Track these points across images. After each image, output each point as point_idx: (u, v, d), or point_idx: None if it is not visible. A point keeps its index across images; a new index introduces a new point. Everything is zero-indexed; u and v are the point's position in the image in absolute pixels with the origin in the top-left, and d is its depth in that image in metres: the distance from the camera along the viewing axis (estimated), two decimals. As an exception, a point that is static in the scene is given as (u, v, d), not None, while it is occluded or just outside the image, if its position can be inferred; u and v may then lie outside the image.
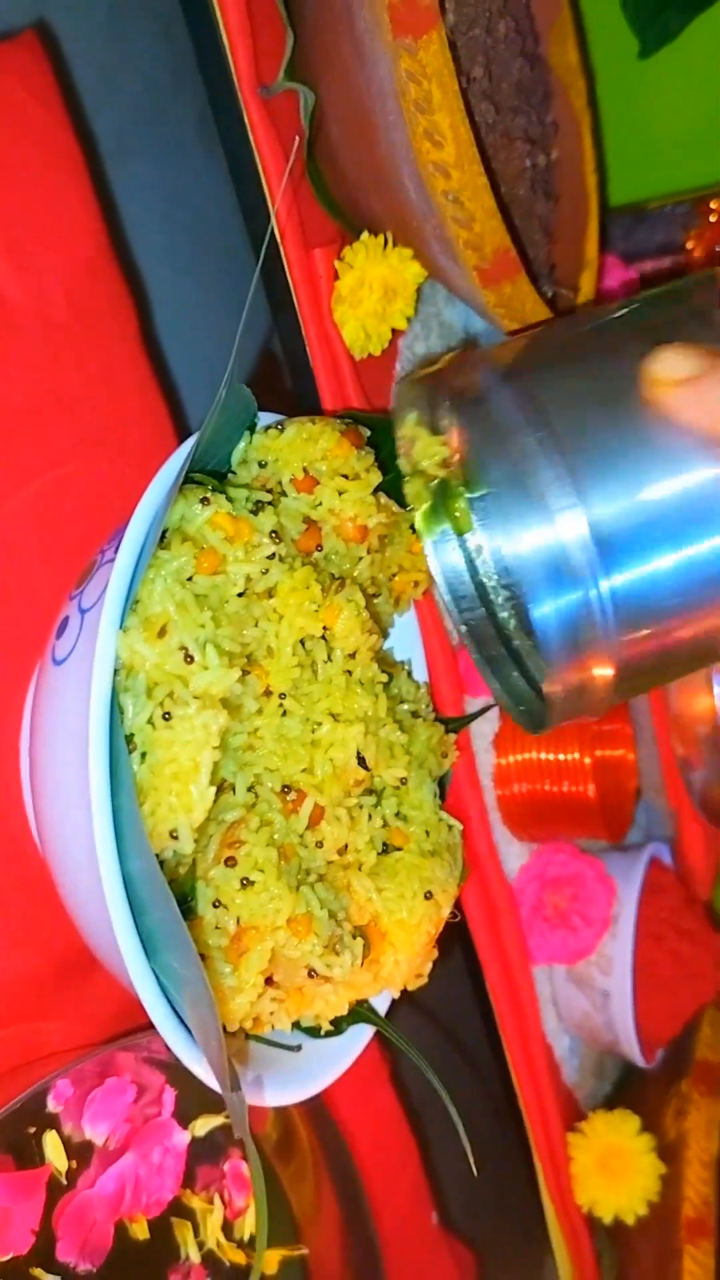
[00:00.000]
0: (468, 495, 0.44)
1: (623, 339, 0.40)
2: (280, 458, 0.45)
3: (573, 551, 0.36)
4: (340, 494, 0.45)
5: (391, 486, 0.51)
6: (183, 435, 0.57)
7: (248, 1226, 0.54)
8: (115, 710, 0.37)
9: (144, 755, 0.37)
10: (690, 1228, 0.71)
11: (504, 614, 0.45)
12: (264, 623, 0.43)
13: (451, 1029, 0.76)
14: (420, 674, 0.57)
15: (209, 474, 0.44)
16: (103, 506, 0.52)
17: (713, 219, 0.82)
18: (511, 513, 0.37)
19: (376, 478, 0.47)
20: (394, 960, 0.46)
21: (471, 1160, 0.47)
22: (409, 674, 0.56)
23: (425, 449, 0.43)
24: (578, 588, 0.36)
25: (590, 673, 0.38)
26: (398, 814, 0.49)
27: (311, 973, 0.42)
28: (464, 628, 0.46)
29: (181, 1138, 0.51)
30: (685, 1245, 0.71)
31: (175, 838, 0.37)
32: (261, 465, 0.45)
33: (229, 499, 0.41)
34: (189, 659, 0.38)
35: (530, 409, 0.37)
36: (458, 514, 0.45)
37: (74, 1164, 0.46)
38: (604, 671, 0.38)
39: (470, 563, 0.45)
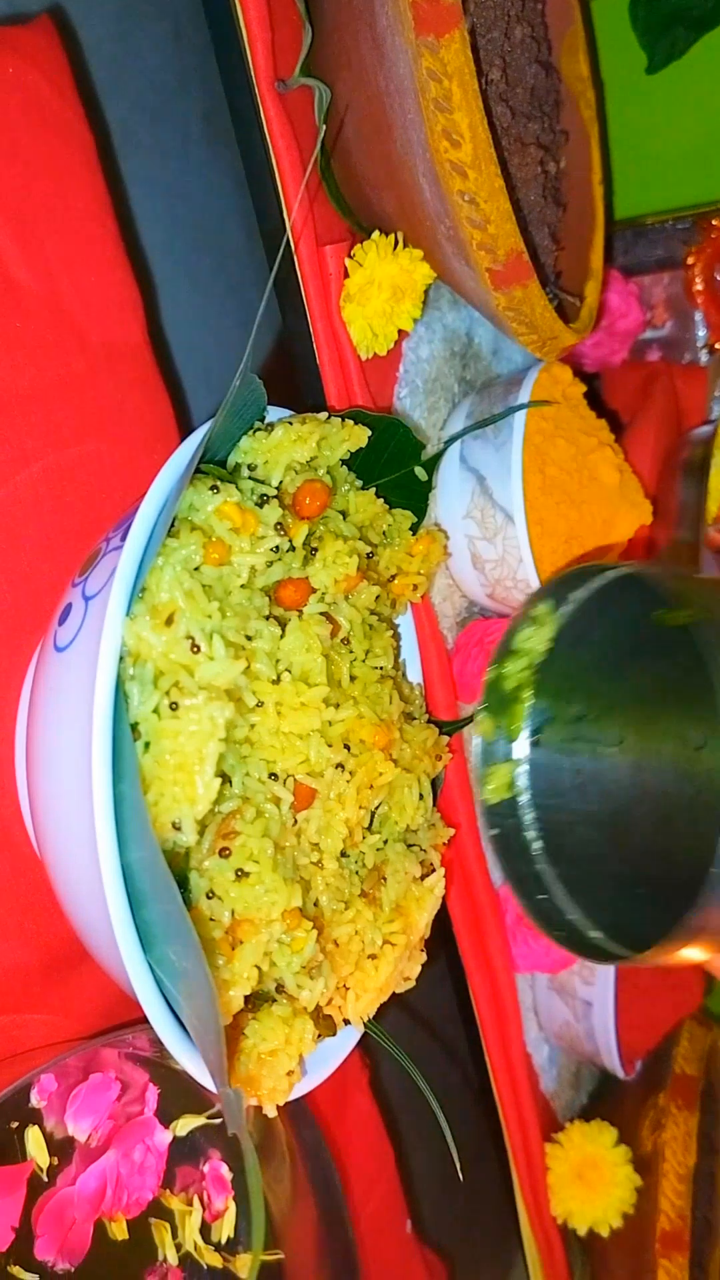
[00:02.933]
0: (533, 704, 0.45)
1: None
2: (269, 459, 0.44)
3: None
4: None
5: (391, 488, 0.52)
6: (184, 427, 0.56)
7: (225, 1229, 0.53)
8: (120, 698, 0.36)
9: (148, 745, 0.37)
10: (665, 1241, 0.71)
11: (529, 833, 0.45)
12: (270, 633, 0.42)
13: (431, 1031, 0.75)
14: (415, 676, 0.57)
15: (216, 464, 0.43)
16: (101, 494, 0.51)
17: (714, 235, 0.82)
18: None
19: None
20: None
21: (459, 1168, 0.47)
22: (404, 675, 0.56)
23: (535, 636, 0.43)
24: None
25: None
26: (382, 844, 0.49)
27: (279, 987, 0.42)
28: (494, 832, 0.46)
29: (163, 1136, 0.50)
30: (660, 1259, 0.71)
31: (178, 829, 0.37)
32: (251, 468, 0.44)
33: (237, 488, 0.41)
34: (195, 649, 0.38)
35: None
36: (512, 720, 0.46)
37: (55, 1161, 0.45)
38: None
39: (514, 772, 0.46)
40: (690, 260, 0.84)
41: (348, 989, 0.46)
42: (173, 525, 0.39)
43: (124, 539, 0.38)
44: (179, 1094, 0.51)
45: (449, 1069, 0.77)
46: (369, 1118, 0.68)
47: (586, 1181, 0.73)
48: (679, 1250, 0.71)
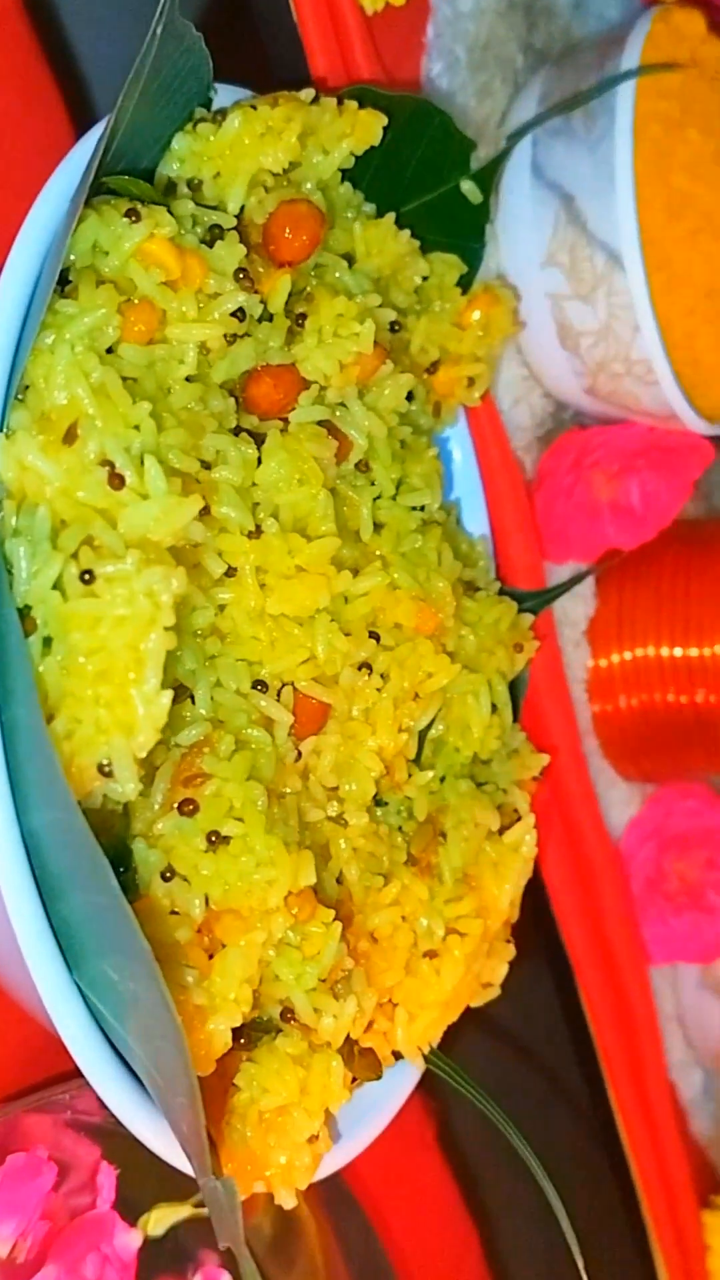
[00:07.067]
0: None
1: None
2: (223, 169, 0.42)
3: None
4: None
5: (425, 218, 0.50)
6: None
7: None
8: (-1, 570, 0.35)
9: (48, 641, 0.35)
10: None
11: None
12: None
13: (528, 1059, 0.75)
14: (476, 524, 0.57)
15: (135, 178, 0.41)
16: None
17: None
18: None
19: None
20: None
21: (581, 1264, 0.45)
22: (458, 522, 0.56)
23: None
24: None
25: None
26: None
27: (287, 1012, 0.41)
28: None
29: (129, 1239, 0.49)
30: None
31: (107, 774, 0.35)
32: (192, 187, 0.43)
33: (172, 214, 0.39)
34: (117, 481, 0.36)
35: None
36: None
37: (-37, 1287, 0.44)
38: None
39: None
40: None
41: (395, 1006, 0.46)
42: (67, 280, 0.38)
43: (-11, 307, 0.36)
44: (149, 1173, 0.50)
45: (556, 1113, 0.76)
46: (440, 1186, 0.69)
47: (764, 1262, 0.73)
48: None
